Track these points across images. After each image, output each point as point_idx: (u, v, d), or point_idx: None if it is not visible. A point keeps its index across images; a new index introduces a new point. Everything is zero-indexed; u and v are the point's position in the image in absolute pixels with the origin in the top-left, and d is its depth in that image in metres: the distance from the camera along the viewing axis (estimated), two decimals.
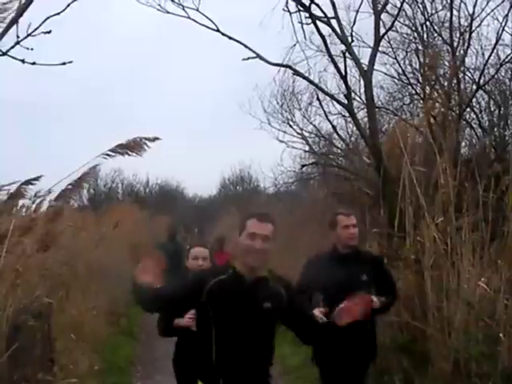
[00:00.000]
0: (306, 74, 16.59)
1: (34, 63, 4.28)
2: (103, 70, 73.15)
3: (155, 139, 7.91)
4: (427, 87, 15.72)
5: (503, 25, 15.26)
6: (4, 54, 4.21)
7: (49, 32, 4.42)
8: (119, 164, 51.61)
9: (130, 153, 7.81)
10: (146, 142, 7.77)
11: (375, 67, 15.18)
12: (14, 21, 4.30)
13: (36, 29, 4.36)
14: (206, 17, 14.92)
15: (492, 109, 17.00)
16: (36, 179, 8.53)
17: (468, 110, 15.76)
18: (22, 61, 4.19)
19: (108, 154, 7.87)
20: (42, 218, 9.37)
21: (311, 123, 21.13)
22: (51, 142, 59.37)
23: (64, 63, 4.44)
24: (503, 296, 8.64)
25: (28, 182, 8.32)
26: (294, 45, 15.94)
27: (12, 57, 4.19)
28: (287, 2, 14.74)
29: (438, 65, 15.80)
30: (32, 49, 4.40)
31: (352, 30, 15.16)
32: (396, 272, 10.01)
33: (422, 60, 16.38)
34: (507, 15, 15.23)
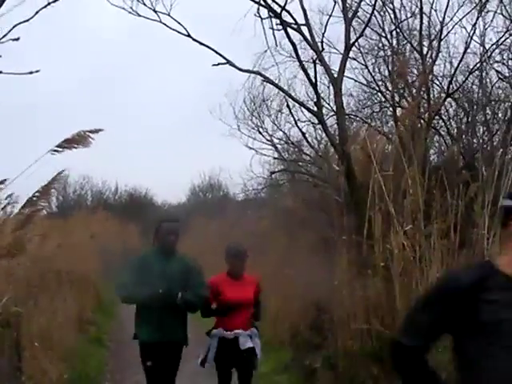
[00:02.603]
0: (276, 81, 16.71)
1: (0, 72, 4.27)
2: (71, 75, 72.69)
3: (98, 131, 8.00)
4: (395, 95, 15.80)
5: (471, 34, 15.45)
6: None
7: (17, 39, 4.40)
8: (88, 171, 51.21)
9: (76, 146, 7.87)
10: (89, 134, 7.83)
11: (345, 74, 15.26)
12: None
13: (4, 36, 4.34)
14: (177, 22, 14.95)
15: (460, 116, 17.14)
16: (1, 183, 8.47)
17: (436, 117, 15.87)
18: None
19: (56, 150, 7.90)
20: (9, 224, 9.28)
21: (281, 130, 21.26)
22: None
23: (31, 72, 4.43)
24: None
25: None
26: (265, 51, 16.03)
27: None
28: (259, 9, 14.80)
29: (408, 72, 15.89)
30: (0, 56, 4.38)
31: (323, 37, 15.23)
32: (365, 279, 10.05)
33: (391, 67, 16.48)
34: (475, 24, 15.41)
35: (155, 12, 15.04)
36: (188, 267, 8.19)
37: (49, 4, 4.39)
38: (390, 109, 16.30)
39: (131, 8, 15.11)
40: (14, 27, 4.46)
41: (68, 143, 7.81)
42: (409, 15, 16.53)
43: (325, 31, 15.32)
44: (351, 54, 16.11)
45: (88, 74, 68.84)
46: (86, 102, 70.04)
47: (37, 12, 4.45)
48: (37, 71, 4.40)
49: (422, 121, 14.57)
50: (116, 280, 8.12)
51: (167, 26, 14.97)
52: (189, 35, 14.89)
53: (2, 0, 4.42)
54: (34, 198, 8.62)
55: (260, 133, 21.59)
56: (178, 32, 14.90)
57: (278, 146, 21.70)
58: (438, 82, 16.96)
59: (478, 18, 15.58)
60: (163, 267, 7.93)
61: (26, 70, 5.05)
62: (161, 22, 15.08)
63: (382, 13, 16.71)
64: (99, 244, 27.71)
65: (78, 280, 18.20)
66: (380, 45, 17.52)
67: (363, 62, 17.86)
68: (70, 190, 52.53)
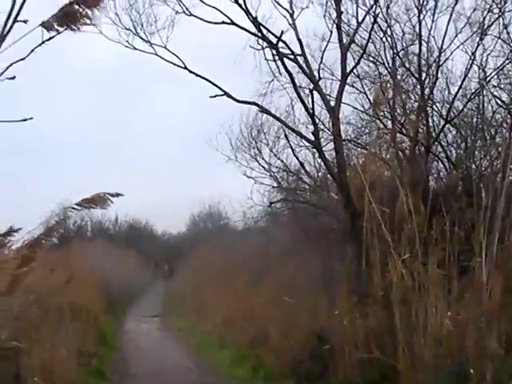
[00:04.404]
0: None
1: None
2: (65, 113, 72.85)
3: (118, 195, 8.08)
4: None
5: (471, 60, 15.49)
6: None
7: (13, 78, 4.44)
8: None
9: (94, 206, 7.98)
10: (110, 197, 7.92)
11: (344, 100, 15.33)
12: None
13: (0, 74, 4.38)
14: (174, 54, 15.09)
15: (459, 142, 17.13)
16: (16, 231, 8.57)
17: (435, 143, 15.89)
18: None
19: (74, 208, 8.02)
20: (10, 261, 9.30)
21: (278, 158, 21.28)
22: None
23: (25, 119, 4.47)
24: (472, 331, 8.64)
25: (7, 234, 8.35)
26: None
27: None
28: (258, 40, 14.96)
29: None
30: None
31: (320, 65, 15.34)
32: (365, 308, 10.02)
33: (385, 93, 16.50)
34: (475, 51, 15.47)
35: (151, 45, 15.18)
36: None
37: (43, 43, 4.42)
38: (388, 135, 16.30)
39: (127, 42, 15.28)
40: (9, 66, 4.49)
41: (87, 203, 7.93)
42: (407, 42, 16.61)
43: (322, 60, 15.44)
44: (349, 81, 16.18)
45: (86, 107, 69.07)
46: (85, 134, 70.35)
47: (32, 50, 4.48)
48: (30, 118, 4.44)
49: (422, 147, 14.61)
50: None
51: (163, 59, 15.11)
52: (185, 67, 15.01)
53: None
54: (42, 241, 8.70)
55: (257, 162, 21.63)
56: (175, 64, 15.03)
57: (277, 175, 21.74)
58: (436, 108, 16.98)
59: (478, 45, 15.64)
60: None
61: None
62: (157, 54, 15.21)
63: (380, 39, 16.77)
64: (99, 274, 27.71)
65: (80, 311, 18.14)
66: (377, 72, 17.58)
67: (361, 89, 17.91)
68: (70, 221, 52.61)
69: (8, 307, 10.09)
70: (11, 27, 4.10)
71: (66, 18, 4.23)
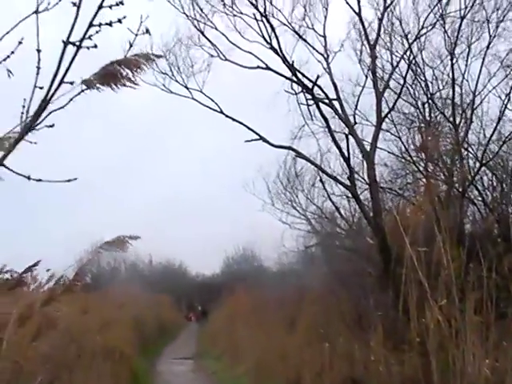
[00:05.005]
0: (316, 152, 16.97)
1: (39, 180, 4.35)
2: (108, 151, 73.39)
3: (136, 238, 8.19)
4: (429, 165, 15.75)
5: (505, 102, 15.45)
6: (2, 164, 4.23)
7: (52, 126, 4.48)
8: None
9: (115, 250, 8.09)
10: (128, 240, 8.03)
11: (378, 145, 15.34)
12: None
13: (39, 123, 4.42)
14: (210, 98, 15.21)
15: (494, 184, 17.03)
16: (35, 265, 8.66)
17: (471, 186, 15.82)
18: (28, 177, 4.25)
19: (97, 251, 8.16)
20: (38, 302, 9.38)
21: (314, 204, 21.29)
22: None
23: (69, 180, 4.52)
24: (510, 379, 8.51)
25: (28, 270, 8.45)
26: (303, 126, 16.24)
27: (17, 173, 4.23)
28: (292, 85, 15.07)
29: (440, 143, 15.87)
30: (35, 143, 4.46)
31: (355, 110, 15.39)
32: (401, 355, 9.92)
33: (424, 138, 16.47)
34: (509, 93, 15.42)
35: (187, 89, 15.34)
36: None
37: (82, 91, 4.47)
38: (423, 179, 16.24)
39: (163, 85, 15.46)
40: (49, 114, 4.54)
41: (108, 245, 8.03)
42: (441, 86, 16.63)
43: (357, 105, 15.51)
44: (384, 126, 16.20)
45: (122, 148, 69.60)
46: (122, 175, 70.88)
47: (71, 99, 4.53)
48: (75, 179, 4.48)
49: (456, 191, 14.52)
50: None
51: (199, 103, 15.23)
52: (221, 111, 15.11)
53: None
54: (71, 284, 8.80)
55: (294, 208, 21.69)
56: (211, 108, 15.15)
57: (312, 220, 21.75)
58: (471, 150, 16.92)
59: None
60: None
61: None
62: (193, 98, 15.35)
63: (413, 85, 16.80)
64: (133, 316, 27.71)
65: (113, 352, 18.12)
66: (413, 116, 17.58)
67: (396, 134, 17.89)
68: (104, 262, 52.65)
69: (43, 350, 10.12)
70: (57, 89, 4.16)
71: (107, 78, 4.29)
